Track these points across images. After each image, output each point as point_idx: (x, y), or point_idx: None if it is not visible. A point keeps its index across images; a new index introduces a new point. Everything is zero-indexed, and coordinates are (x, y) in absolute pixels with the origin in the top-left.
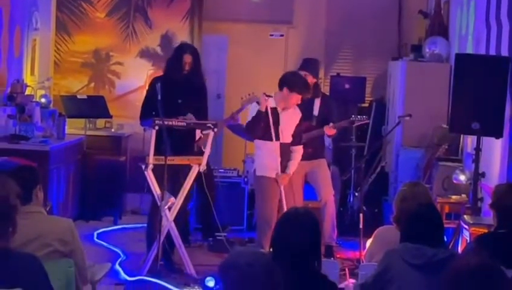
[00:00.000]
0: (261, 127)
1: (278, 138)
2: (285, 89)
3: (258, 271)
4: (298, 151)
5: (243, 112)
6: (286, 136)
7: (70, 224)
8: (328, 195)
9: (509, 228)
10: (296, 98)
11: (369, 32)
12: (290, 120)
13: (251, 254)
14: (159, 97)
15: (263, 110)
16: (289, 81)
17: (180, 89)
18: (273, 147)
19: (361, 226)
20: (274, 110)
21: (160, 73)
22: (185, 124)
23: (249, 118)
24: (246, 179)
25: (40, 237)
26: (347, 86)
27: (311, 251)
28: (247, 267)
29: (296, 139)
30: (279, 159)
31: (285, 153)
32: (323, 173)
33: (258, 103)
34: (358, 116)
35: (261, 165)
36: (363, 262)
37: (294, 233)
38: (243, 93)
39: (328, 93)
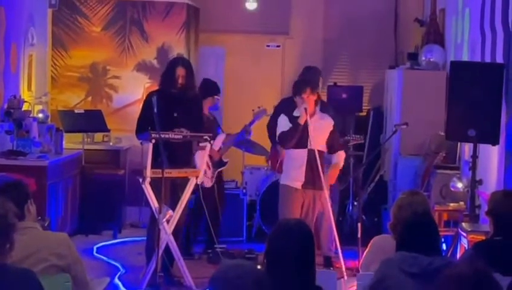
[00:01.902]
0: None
1: (305, 146)
2: (296, 98)
3: (248, 284)
4: (338, 156)
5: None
6: (315, 143)
7: (65, 238)
8: (325, 205)
9: (506, 235)
10: (310, 97)
11: (365, 42)
12: (320, 127)
13: (241, 267)
14: (155, 110)
15: (302, 123)
16: (294, 88)
17: (176, 103)
18: (301, 154)
19: (359, 236)
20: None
21: (157, 85)
22: (181, 136)
23: (279, 130)
24: (244, 191)
25: (36, 252)
26: (344, 95)
27: (304, 262)
28: (237, 280)
29: (334, 146)
30: (304, 168)
31: (314, 159)
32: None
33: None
34: (353, 136)
35: (286, 174)
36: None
37: (286, 245)
38: (240, 105)
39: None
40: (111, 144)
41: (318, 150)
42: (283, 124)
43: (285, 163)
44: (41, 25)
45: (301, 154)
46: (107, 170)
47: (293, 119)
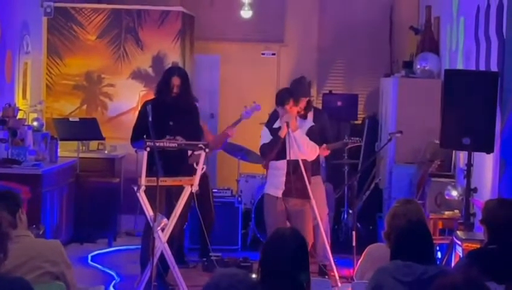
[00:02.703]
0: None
1: (284, 157)
2: (279, 108)
3: None
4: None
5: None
6: (295, 154)
7: (58, 245)
8: (322, 214)
9: (500, 244)
10: (293, 109)
11: (361, 50)
12: (300, 136)
13: (234, 276)
14: (150, 119)
15: (282, 136)
16: (277, 98)
17: (171, 111)
18: (281, 164)
19: (354, 244)
20: (279, 130)
21: (152, 93)
22: (176, 145)
23: (261, 142)
24: (239, 199)
25: (29, 260)
26: (339, 103)
27: (298, 271)
28: (230, 289)
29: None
30: (284, 177)
31: (295, 169)
32: (319, 191)
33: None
34: (352, 138)
35: (268, 183)
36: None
37: (281, 254)
38: (236, 112)
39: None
40: (106, 152)
41: (302, 160)
42: (264, 135)
43: (268, 172)
44: (36, 33)
45: (281, 165)
46: (102, 178)
47: (273, 131)
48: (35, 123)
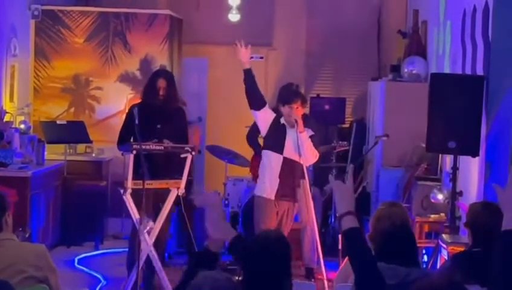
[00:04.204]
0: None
1: (281, 151)
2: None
3: None
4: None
5: None
6: (291, 153)
7: (42, 249)
8: (309, 217)
9: (484, 247)
10: (299, 110)
11: (349, 53)
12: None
13: (216, 280)
14: (136, 122)
15: (301, 131)
16: (283, 96)
17: (158, 114)
18: (275, 160)
19: (340, 247)
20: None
21: (139, 97)
22: (162, 147)
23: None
24: (226, 202)
25: (13, 264)
26: (327, 107)
27: (281, 274)
28: None
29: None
30: (278, 179)
31: (289, 170)
32: (305, 195)
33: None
34: (340, 142)
35: (261, 185)
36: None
37: (263, 257)
38: (223, 116)
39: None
40: (93, 155)
41: (297, 162)
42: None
43: (260, 172)
44: (23, 36)
45: (276, 164)
46: (89, 181)
47: (277, 126)
48: (22, 126)
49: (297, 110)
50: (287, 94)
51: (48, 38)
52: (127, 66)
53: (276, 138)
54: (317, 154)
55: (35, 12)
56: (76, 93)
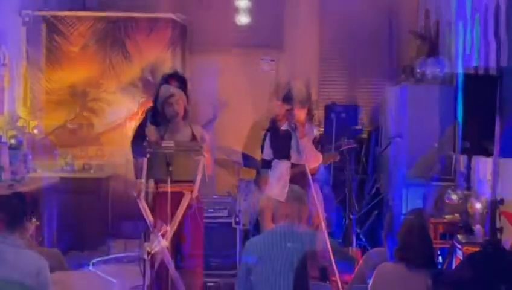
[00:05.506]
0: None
1: (287, 158)
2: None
3: None
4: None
5: None
6: (295, 157)
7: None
8: (319, 218)
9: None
10: (301, 110)
11: (361, 54)
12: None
13: None
14: (148, 126)
15: (301, 137)
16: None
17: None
18: (284, 166)
19: (354, 248)
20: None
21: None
22: (173, 145)
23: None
24: (237, 219)
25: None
26: (343, 114)
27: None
28: None
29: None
30: (287, 181)
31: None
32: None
33: None
34: (345, 140)
35: (270, 185)
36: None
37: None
38: (234, 121)
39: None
40: (92, 172)
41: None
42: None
43: (270, 176)
44: (14, 44)
45: (285, 167)
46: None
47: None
48: (12, 141)
49: (299, 113)
50: (283, 92)
51: (40, 46)
52: (128, 75)
53: (280, 147)
54: (320, 157)
55: (26, 19)
56: (73, 105)
